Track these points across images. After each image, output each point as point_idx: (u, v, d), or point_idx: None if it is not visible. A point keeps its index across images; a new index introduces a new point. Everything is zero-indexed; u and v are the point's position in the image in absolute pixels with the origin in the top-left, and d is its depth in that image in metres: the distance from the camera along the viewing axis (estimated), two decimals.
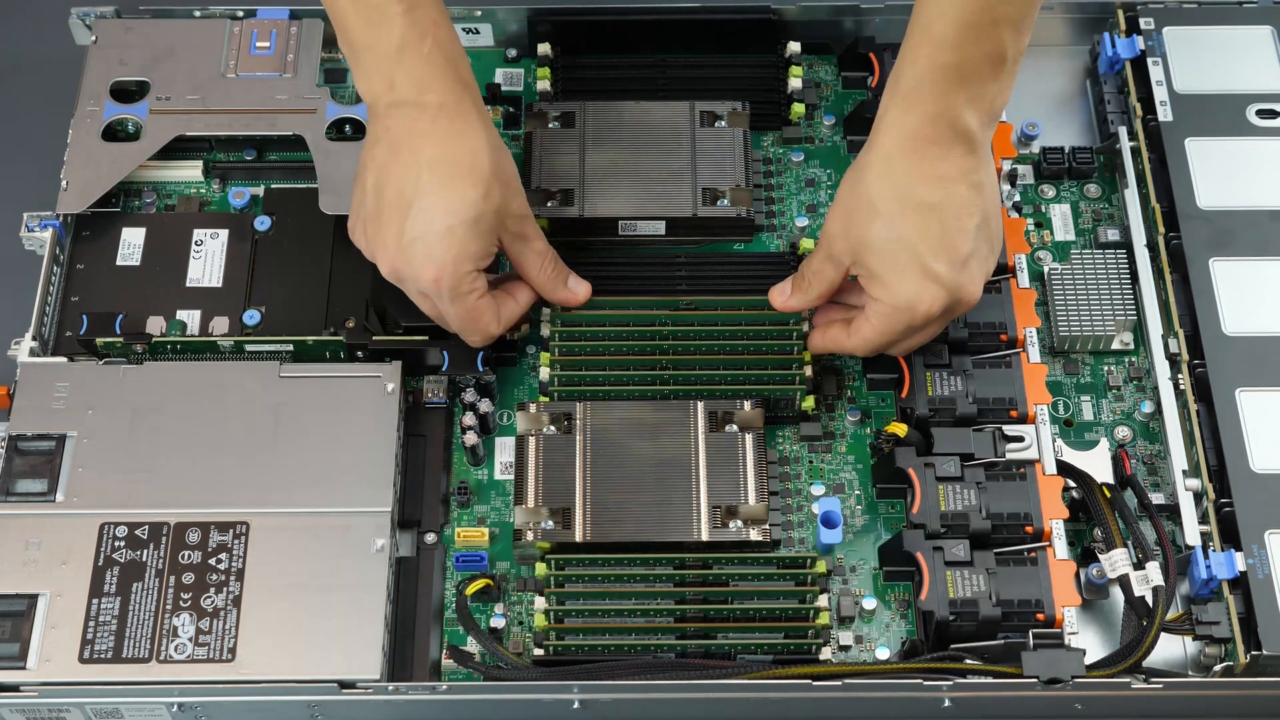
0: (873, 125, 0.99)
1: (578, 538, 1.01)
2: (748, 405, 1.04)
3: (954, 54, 0.95)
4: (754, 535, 1.01)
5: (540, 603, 0.98)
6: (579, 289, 1.07)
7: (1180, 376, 1.06)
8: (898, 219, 0.97)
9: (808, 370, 1.06)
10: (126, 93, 1.16)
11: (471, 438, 1.05)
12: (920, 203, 0.97)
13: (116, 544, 0.99)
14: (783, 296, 1.06)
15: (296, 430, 1.03)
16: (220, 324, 1.09)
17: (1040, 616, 0.97)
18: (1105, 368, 1.10)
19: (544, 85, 1.17)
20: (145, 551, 0.99)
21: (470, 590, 1.00)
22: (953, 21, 0.95)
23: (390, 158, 0.99)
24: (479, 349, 1.06)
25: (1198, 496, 1.02)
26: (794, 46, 1.18)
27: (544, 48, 1.18)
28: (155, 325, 1.09)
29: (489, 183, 0.99)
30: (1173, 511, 1.03)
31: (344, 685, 0.95)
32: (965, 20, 0.94)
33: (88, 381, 1.05)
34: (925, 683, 0.96)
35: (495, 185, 0.99)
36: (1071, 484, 1.02)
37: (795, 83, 1.17)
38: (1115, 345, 1.10)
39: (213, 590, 0.98)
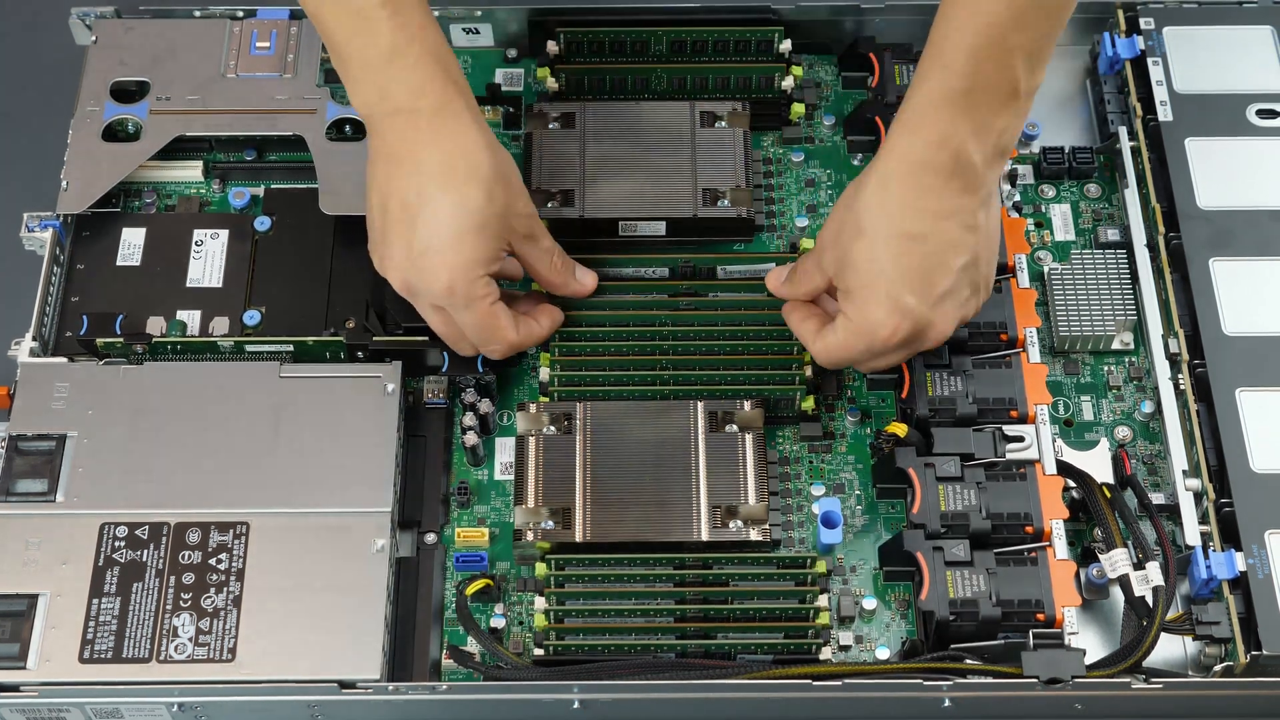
0: (880, 146, 0.99)
1: (578, 538, 1.01)
2: (748, 405, 1.04)
3: (963, 80, 0.94)
4: (754, 535, 1.01)
5: (540, 603, 0.98)
6: (587, 280, 1.08)
7: (1180, 376, 1.06)
8: (880, 244, 0.96)
9: (808, 370, 1.06)
10: (126, 93, 1.16)
11: (471, 438, 1.05)
12: (906, 232, 0.95)
13: (116, 544, 0.99)
14: (777, 281, 1.07)
15: (296, 431, 1.03)
16: (220, 324, 1.09)
17: (1040, 616, 0.97)
18: (1105, 368, 1.10)
19: (552, 83, 1.16)
20: (145, 552, 0.99)
21: (470, 590, 1.00)
22: (964, 48, 0.93)
23: (391, 170, 0.99)
24: (499, 360, 1.06)
25: (1198, 496, 1.02)
26: (785, 45, 1.18)
27: (552, 46, 1.17)
28: (155, 325, 1.09)
29: (491, 184, 0.98)
30: (1173, 511, 1.03)
31: (344, 685, 0.95)
32: (977, 46, 0.93)
33: (88, 382, 1.05)
34: (925, 683, 0.96)
35: (498, 186, 0.99)
36: (1071, 484, 1.02)
37: (788, 81, 1.16)
38: (1115, 345, 1.10)
39: (213, 590, 0.98)
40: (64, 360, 1.06)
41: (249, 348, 1.07)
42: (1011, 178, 1.13)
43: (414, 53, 0.98)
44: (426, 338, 1.07)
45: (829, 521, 1.03)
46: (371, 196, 1.01)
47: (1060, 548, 0.99)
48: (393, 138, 0.99)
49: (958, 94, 0.94)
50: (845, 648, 1.01)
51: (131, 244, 1.12)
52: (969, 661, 0.97)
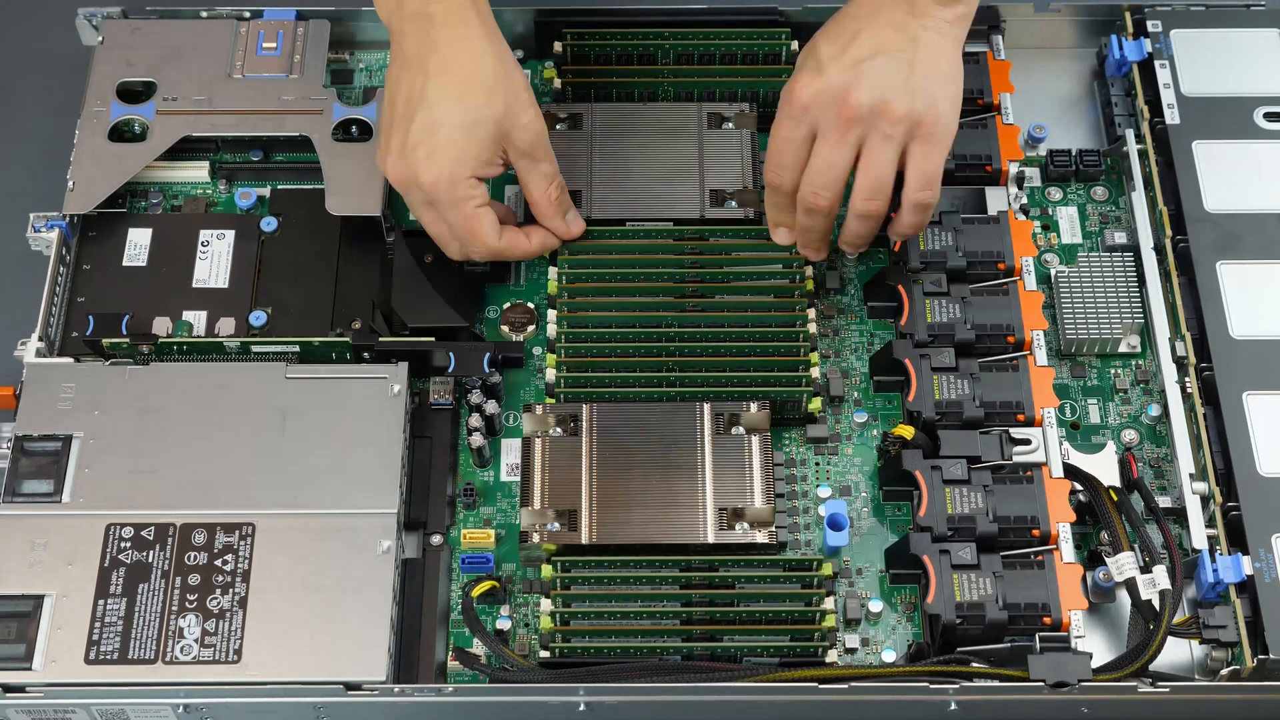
0: None
1: (584, 539, 1.00)
2: (754, 407, 1.04)
3: None
4: (760, 537, 1.01)
5: (546, 604, 0.98)
6: (574, 225, 1.10)
7: (1187, 380, 1.06)
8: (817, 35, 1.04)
9: (814, 372, 1.06)
10: (133, 93, 1.16)
11: (477, 439, 1.05)
12: (839, 21, 1.03)
13: (122, 545, 0.99)
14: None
15: (302, 432, 1.03)
16: (226, 325, 1.09)
17: (1047, 620, 0.97)
18: (1112, 371, 1.10)
19: (559, 82, 1.16)
20: (151, 553, 0.99)
21: (476, 592, 1.00)
22: None
23: (400, 71, 1.03)
24: (481, 268, 1.10)
25: (1204, 500, 1.02)
26: (794, 45, 1.18)
27: (558, 46, 1.17)
28: (161, 326, 1.09)
29: (491, 89, 1.02)
30: (1179, 515, 1.03)
31: (349, 687, 0.95)
32: None
33: (94, 382, 1.05)
34: (931, 686, 0.96)
35: (499, 93, 1.02)
36: (1078, 487, 1.02)
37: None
38: (1122, 348, 1.10)
39: (218, 591, 0.98)
40: (70, 361, 1.06)
41: (255, 348, 1.07)
42: (1019, 180, 1.13)
43: None
44: (433, 339, 1.07)
45: (835, 524, 1.03)
46: (385, 95, 1.05)
47: (1067, 551, 0.99)
48: (408, 41, 1.03)
49: None
50: (851, 650, 1.01)
51: (138, 244, 1.12)
52: (975, 665, 0.97)
